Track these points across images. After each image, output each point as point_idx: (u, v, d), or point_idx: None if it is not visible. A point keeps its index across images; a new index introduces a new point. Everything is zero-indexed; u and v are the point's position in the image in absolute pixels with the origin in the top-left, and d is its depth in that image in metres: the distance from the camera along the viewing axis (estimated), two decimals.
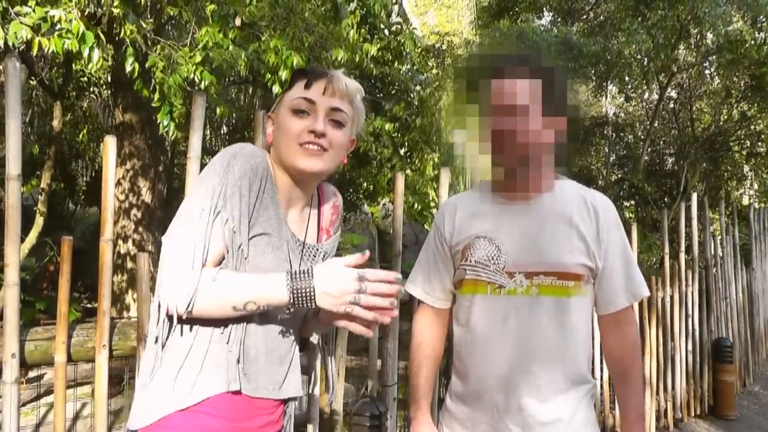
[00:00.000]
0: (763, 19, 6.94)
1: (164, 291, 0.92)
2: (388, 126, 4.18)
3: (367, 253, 0.98)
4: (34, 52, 2.63)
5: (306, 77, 1.05)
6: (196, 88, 2.98)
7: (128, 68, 2.86)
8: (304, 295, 0.93)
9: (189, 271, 0.91)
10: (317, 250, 1.13)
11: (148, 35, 2.94)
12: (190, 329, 0.98)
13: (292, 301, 0.93)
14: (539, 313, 1.16)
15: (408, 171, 5.38)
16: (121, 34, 2.88)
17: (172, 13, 3.15)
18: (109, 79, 5.28)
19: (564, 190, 1.23)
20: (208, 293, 0.93)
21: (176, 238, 0.94)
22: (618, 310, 1.24)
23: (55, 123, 4.36)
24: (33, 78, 4.55)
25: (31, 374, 3.99)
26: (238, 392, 0.99)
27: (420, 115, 4.98)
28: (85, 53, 2.66)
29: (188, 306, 0.91)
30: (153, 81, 2.93)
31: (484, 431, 1.19)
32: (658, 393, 3.66)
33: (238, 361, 0.99)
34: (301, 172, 1.04)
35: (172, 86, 2.86)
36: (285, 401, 1.10)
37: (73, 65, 4.58)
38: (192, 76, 2.93)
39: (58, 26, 2.56)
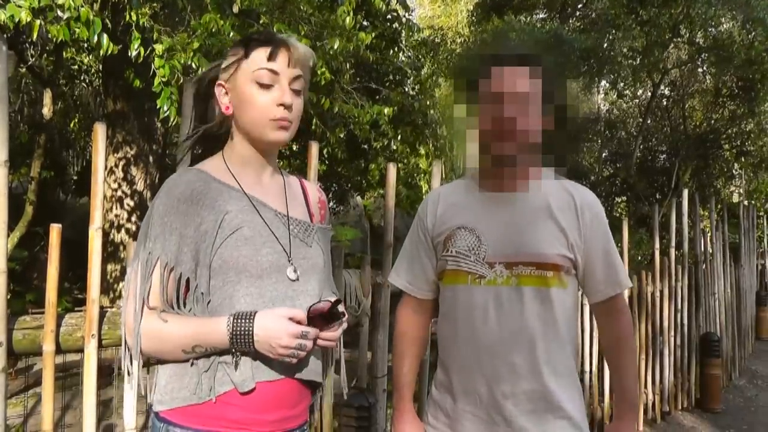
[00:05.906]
0: (751, 22, 6.95)
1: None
2: (387, 110, 4.09)
3: (326, 304, 0.98)
4: (34, 36, 2.58)
5: (268, 46, 1.02)
6: (193, 75, 2.94)
7: (133, 53, 2.80)
8: (242, 339, 0.94)
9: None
10: (309, 227, 1.11)
11: (146, 22, 2.89)
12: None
13: (232, 343, 0.94)
14: (520, 302, 1.17)
15: (410, 159, 5.33)
16: (126, 19, 2.83)
17: (165, 1, 3.10)
18: (101, 67, 5.21)
19: (547, 184, 1.24)
20: (156, 337, 0.97)
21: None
22: (606, 299, 1.25)
23: (45, 111, 4.31)
24: (23, 65, 4.48)
25: (21, 365, 3.96)
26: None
27: (418, 100, 4.93)
28: (94, 39, 2.62)
29: (138, 353, 0.98)
30: (152, 68, 2.87)
31: (468, 421, 1.20)
32: (646, 386, 3.71)
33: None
34: (271, 144, 1.06)
35: (176, 68, 2.80)
36: (312, 390, 1.08)
37: (64, 53, 4.52)
38: (189, 62, 2.89)
39: (67, 14, 2.51)
